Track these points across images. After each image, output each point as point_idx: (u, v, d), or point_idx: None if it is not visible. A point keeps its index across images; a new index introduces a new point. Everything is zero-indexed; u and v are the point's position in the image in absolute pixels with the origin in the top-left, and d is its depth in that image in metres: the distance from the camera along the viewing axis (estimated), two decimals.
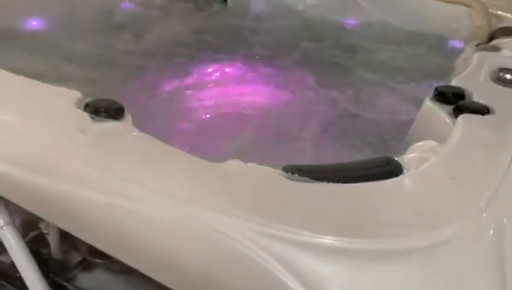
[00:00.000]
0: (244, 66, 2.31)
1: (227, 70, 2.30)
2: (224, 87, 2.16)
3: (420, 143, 1.00)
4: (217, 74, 2.28)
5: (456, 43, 2.30)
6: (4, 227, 1.01)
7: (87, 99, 1.04)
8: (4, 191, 0.94)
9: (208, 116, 1.94)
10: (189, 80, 2.18)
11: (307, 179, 0.80)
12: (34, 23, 2.18)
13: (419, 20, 2.43)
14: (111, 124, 0.96)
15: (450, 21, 2.36)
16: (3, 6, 2.12)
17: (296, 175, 0.81)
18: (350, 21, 2.55)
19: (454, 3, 2.40)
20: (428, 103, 1.25)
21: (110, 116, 0.99)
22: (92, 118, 0.97)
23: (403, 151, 1.37)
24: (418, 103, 1.85)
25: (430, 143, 0.98)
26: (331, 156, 1.56)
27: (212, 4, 2.82)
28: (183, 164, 0.83)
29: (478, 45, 1.79)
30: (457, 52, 2.23)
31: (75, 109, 0.99)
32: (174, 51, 2.35)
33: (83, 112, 0.98)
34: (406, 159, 0.92)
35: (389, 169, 0.87)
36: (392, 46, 2.41)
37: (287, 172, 0.82)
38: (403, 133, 1.63)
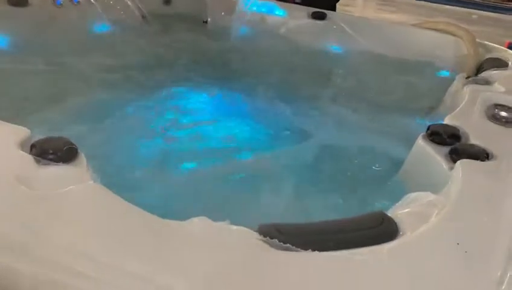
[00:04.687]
0: (218, 91, 2.19)
1: (200, 95, 2.18)
2: (194, 114, 2.04)
3: (416, 194, 0.89)
4: (190, 99, 2.16)
5: (442, 72, 2.22)
6: None
7: (35, 138, 0.91)
8: None
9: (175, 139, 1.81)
10: (158, 104, 2.06)
11: (289, 245, 0.67)
12: None
13: (403, 47, 2.35)
14: (59, 169, 0.82)
15: (435, 49, 2.29)
16: None
17: (276, 240, 0.68)
18: (333, 47, 2.46)
19: (439, 31, 2.34)
20: (421, 143, 1.15)
21: (60, 158, 0.85)
22: (38, 162, 0.83)
23: (392, 194, 1.27)
24: (401, 136, 1.75)
25: (427, 196, 0.86)
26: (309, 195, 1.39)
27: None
28: (141, 227, 0.69)
29: (468, 77, 1.71)
30: (442, 81, 2.17)
31: (18, 151, 0.84)
32: (146, 73, 2.21)
33: (27, 155, 0.84)
34: (401, 215, 0.81)
35: (383, 230, 0.75)
36: (375, 73, 2.32)
37: (265, 235, 0.69)
38: (386, 169, 1.51)
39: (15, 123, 1.00)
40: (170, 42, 2.52)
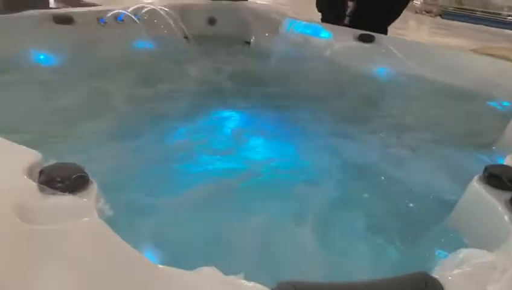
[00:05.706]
0: (258, 113, 2.10)
1: (239, 118, 2.11)
2: (234, 136, 1.96)
3: (468, 251, 0.74)
4: (230, 120, 2.09)
5: (503, 103, 2.03)
6: None
7: (46, 163, 0.85)
8: None
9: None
10: (198, 126, 1.99)
11: None
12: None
13: (458, 74, 2.18)
14: (63, 201, 0.75)
15: (494, 77, 2.10)
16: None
17: None
18: (381, 71, 2.33)
19: (498, 57, 2.16)
20: (477, 186, 1.00)
21: (67, 188, 0.79)
22: (42, 191, 0.76)
23: (439, 242, 1.10)
24: (454, 173, 1.56)
25: (483, 255, 0.72)
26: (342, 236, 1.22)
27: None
28: (141, 276, 0.60)
29: None
30: (501, 113, 1.97)
31: (23, 177, 0.79)
32: (189, 94, 2.16)
33: (32, 183, 0.77)
34: (449, 277, 0.67)
35: None
36: (426, 101, 2.15)
37: None
38: (433, 213, 1.33)
39: (38, 143, 0.96)
40: (211, 63, 2.48)
